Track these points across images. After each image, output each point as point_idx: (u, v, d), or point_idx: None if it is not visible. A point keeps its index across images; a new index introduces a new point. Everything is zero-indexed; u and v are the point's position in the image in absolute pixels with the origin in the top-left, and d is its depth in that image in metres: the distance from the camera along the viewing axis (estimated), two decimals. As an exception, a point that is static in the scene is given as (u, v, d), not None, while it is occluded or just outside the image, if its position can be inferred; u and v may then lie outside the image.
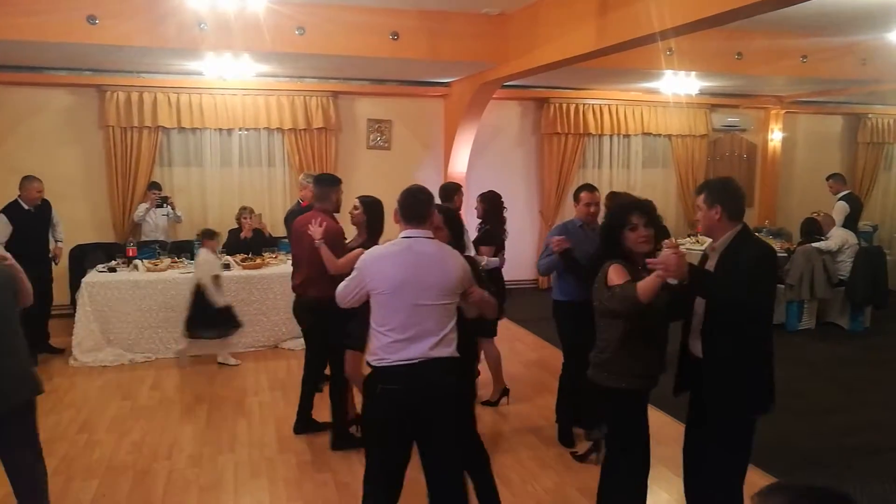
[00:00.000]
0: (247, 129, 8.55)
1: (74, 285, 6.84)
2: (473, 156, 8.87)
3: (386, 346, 2.78)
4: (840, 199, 8.11)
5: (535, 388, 5.57)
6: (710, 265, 2.96)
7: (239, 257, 6.98)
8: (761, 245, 2.95)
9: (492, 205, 5.19)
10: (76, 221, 7.76)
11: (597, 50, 5.32)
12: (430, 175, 8.74)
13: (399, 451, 2.84)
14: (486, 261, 4.90)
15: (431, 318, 2.78)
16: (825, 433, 4.76)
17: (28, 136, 7.85)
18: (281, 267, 6.75)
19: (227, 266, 6.66)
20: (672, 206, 10.25)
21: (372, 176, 8.68)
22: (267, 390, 5.60)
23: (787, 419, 4.57)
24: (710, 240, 3.07)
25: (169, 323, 6.35)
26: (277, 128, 8.55)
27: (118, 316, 6.29)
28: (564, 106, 9.52)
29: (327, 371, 4.66)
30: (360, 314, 3.09)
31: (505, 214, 5.24)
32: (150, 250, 7.09)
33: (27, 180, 6.28)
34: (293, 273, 4.74)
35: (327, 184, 4.58)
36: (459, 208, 5.31)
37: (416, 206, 2.89)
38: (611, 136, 9.93)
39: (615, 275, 2.88)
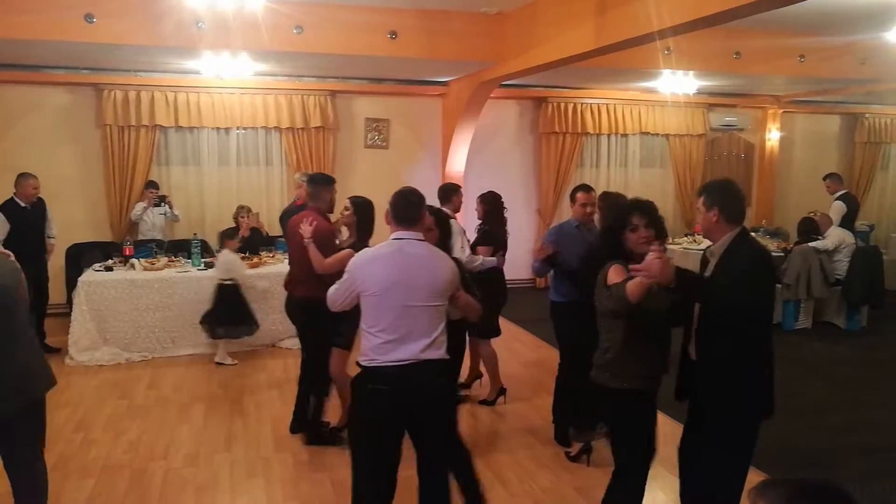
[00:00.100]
0: (244, 128, 8.54)
1: (71, 284, 6.83)
2: (471, 155, 8.86)
3: (376, 347, 2.77)
4: (837, 198, 8.11)
5: (533, 388, 5.57)
6: (710, 269, 2.95)
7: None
8: (759, 248, 2.95)
9: (492, 205, 5.16)
10: (73, 220, 7.75)
11: (595, 49, 5.31)
12: (427, 174, 8.74)
13: (390, 451, 2.82)
14: (481, 260, 4.90)
15: (421, 320, 2.78)
16: (822, 433, 4.77)
17: (25, 134, 7.83)
18: (278, 266, 6.74)
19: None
20: (669, 205, 10.22)
21: (369, 175, 8.70)
22: (264, 389, 5.60)
23: (784, 419, 4.52)
24: (709, 240, 3.06)
25: (166, 322, 6.35)
26: (275, 127, 8.53)
27: (115, 315, 6.28)
28: (562, 105, 9.51)
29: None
30: (350, 315, 3.08)
31: (505, 215, 5.22)
32: (147, 249, 7.07)
33: (23, 177, 6.27)
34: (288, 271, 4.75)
35: (320, 183, 4.57)
36: (458, 209, 5.28)
37: (407, 208, 2.88)
38: (608, 135, 9.92)
39: (615, 275, 2.88)
